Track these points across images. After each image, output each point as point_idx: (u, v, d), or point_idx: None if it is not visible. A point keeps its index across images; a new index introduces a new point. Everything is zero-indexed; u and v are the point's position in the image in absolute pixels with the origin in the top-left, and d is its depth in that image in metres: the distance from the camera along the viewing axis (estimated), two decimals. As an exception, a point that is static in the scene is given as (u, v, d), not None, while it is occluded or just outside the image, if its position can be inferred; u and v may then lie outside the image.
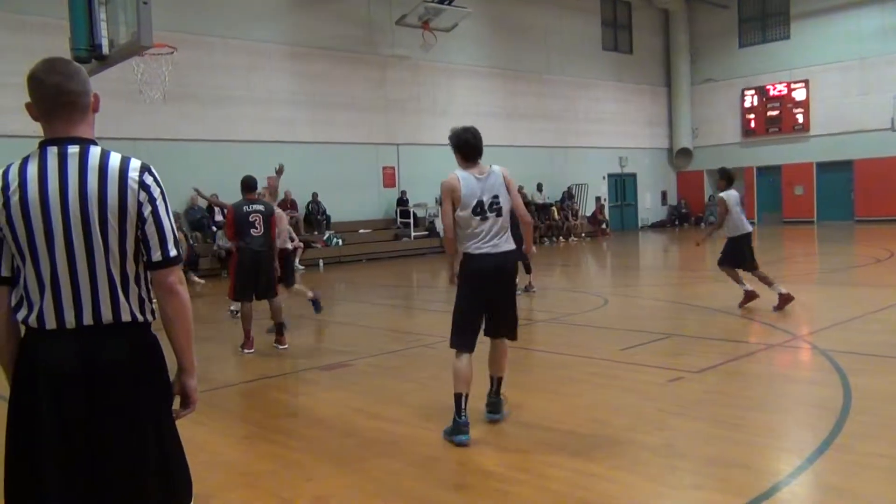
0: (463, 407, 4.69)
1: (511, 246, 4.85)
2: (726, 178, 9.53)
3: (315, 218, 20.13)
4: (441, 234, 22.05)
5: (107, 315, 2.21)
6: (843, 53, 26.76)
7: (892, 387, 5.67)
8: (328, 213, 20.41)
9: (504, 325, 4.96)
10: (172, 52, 11.36)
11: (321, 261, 18.88)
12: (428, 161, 22.96)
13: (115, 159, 2.23)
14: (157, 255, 2.26)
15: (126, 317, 2.23)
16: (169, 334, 2.34)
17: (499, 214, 4.76)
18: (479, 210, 4.71)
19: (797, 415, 5.30)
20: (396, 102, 22.25)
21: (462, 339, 4.79)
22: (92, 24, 6.95)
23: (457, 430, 4.66)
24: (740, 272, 9.26)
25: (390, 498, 3.93)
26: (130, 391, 2.20)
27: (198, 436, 4.94)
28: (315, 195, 20.22)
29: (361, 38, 21.42)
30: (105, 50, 6.98)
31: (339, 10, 20.86)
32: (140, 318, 2.27)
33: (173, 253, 2.29)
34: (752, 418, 5.06)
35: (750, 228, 9.37)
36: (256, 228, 7.86)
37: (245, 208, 7.92)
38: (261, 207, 7.97)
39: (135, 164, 2.25)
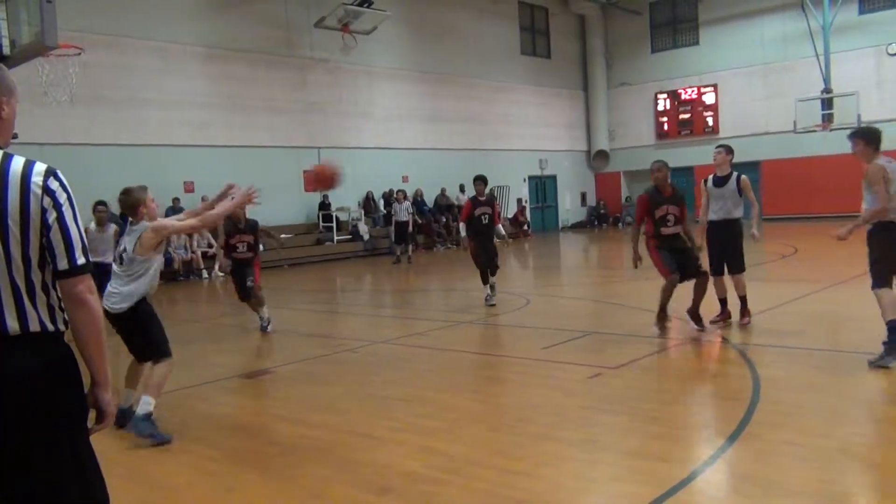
0: None
1: None
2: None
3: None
4: (364, 237, 21.98)
5: (13, 325, 2.10)
6: (747, 59, 28.01)
7: (799, 377, 5.95)
8: (248, 217, 19.99)
9: None
10: (80, 53, 10.93)
11: (242, 267, 18.47)
12: (350, 164, 22.75)
13: (17, 163, 2.13)
14: (63, 264, 2.16)
15: (34, 326, 2.14)
16: (79, 346, 2.25)
17: None
18: None
19: (711, 406, 5.50)
20: (316, 105, 22.03)
21: (881, 281, 5.88)
22: (-9, 22, 6.65)
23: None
24: None
25: (316, 505, 3.89)
26: (42, 404, 2.11)
27: (112, 449, 4.77)
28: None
29: (280, 41, 21.13)
30: (6, 50, 6.69)
31: (255, 11, 20.51)
32: (50, 327, 2.17)
33: (81, 261, 2.19)
34: (668, 411, 5.23)
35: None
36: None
37: None
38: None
39: (39, 168, 2.16)
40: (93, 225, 9.64)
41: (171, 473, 4.52)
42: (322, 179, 6.15)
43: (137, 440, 5.04)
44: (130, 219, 5.29)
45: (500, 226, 10.83)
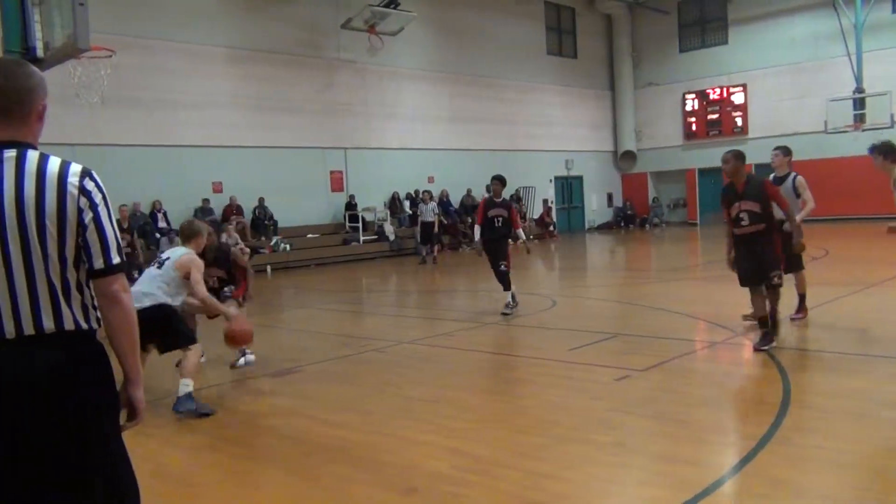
0: None
1: None
2: None
3: (262, 223, 19.89)
4: (390, 237, 22.04)
5: (48, 324, 2.13)
6: (777, 58, 27.63)
7: (829, 381, 5.86)
8: (275, 218, 20.19)
9: None
10: (111, 56, 11.06)
11: (269, 266, 18.66)
12: (376, 165, 22.92)
13: (53, 164, 2.16)
14: (98, 263, 2.19)
15: (69, 325, 2.16)
16: (113, 344, 2.27)
17: None
18: None
19: (740, 410, 5.44)
20: (343, 106, 22.14)
21: None
22: (25, 25, 6.76)
23: None
24: None
25: (341, 504, 3.90)
26: (73, 402, 2.13)
27: (143, 446, 4.83)
28: (262, 200, 19.98)
29: (307, 42, 21.28)
30: (39, 52, 6.79)
31: (283, 13, 20.68)
32: (84, 326, 2.20)
33: (116, 260, 2.22)
34: (697, 414, 5.17)
35: None
36: None
37: None
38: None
39: (75, 168, 2.19)
40: None
41: (201, 471, 4.57)
42: (240, 339, 6.32)
43: (167, 437, 5.11)
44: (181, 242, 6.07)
45: (520, 230, 10.28)
